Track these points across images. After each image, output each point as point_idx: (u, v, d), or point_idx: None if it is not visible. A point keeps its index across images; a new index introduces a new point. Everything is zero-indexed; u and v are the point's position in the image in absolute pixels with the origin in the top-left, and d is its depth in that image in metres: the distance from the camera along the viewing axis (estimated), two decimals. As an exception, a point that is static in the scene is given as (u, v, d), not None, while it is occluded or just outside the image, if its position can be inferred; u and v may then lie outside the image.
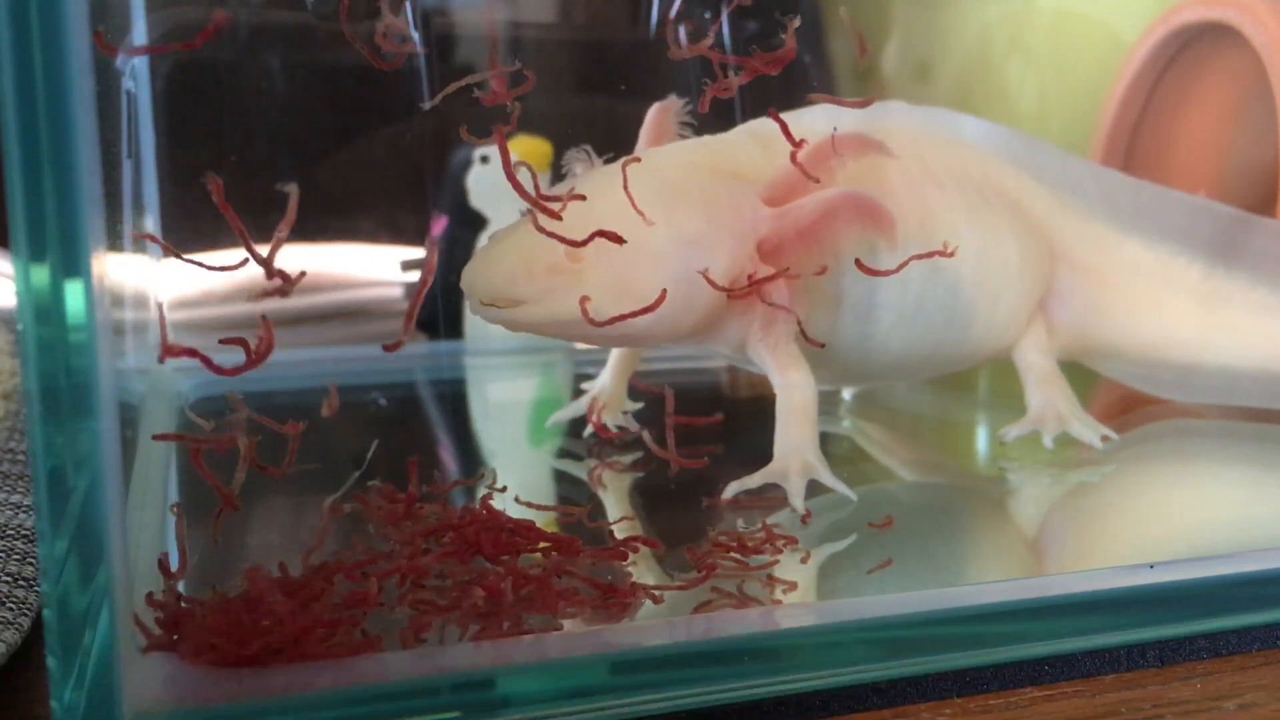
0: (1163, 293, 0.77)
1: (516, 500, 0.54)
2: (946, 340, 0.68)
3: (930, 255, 0.59)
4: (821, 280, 0.62)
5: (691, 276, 0.56)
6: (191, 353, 0.42)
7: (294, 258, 0.44)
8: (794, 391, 0.59)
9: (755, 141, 0.63)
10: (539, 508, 0.55)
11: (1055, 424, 0.71)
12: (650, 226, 0.55)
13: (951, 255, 0.59)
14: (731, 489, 0.58)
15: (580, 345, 0.96)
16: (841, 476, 0.59)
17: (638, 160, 0.57)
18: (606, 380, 0.72)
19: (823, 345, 0.62)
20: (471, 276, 0.55)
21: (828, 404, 0.85)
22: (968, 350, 0.70)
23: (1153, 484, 0.71)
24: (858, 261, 0.59)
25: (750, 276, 0.58)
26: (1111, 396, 0.74)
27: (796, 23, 0.53)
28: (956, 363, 0.72)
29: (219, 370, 0.43)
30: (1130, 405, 0.82)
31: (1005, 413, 0.75)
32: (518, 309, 0.54)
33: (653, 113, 0.66)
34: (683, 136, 0.65)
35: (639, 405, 0.71)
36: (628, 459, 0.68)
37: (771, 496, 0.58)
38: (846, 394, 0.86)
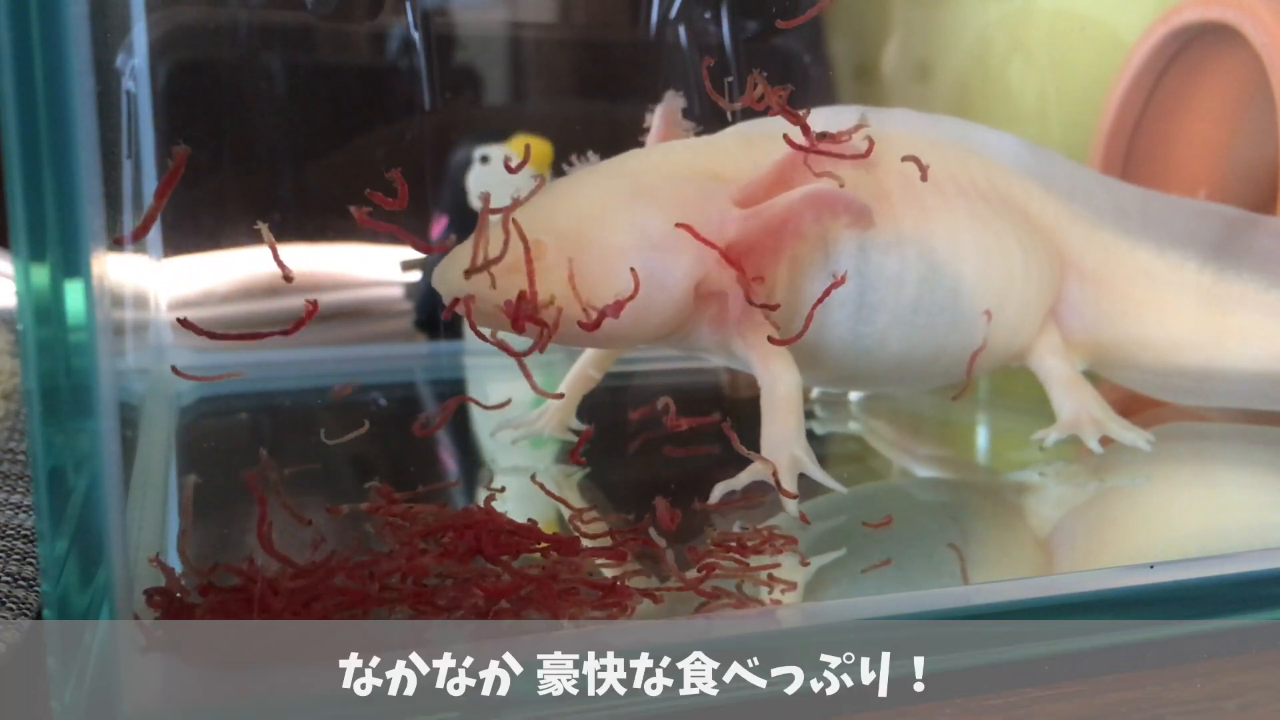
0: (1176, 299, 0.77)
1: (533, 479, 0.55)
2: (949, 344, 0.67)
3: (831, 288, 0.59)
4: (810, 277, 0.62)
5: (652, 276, 0.56)
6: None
7: (294, 258, 0.45)
8: (777, 384, 0.59)
9: (741, 142, 0.63)
10: (555, 497, 0.55)
11: (1094, 428, 0.70)
12: (613, 227, 0.56)
13: (841, 283, 0.59)
14: (718, 491, 0.58)
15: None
16: (842, 475, 0.59)
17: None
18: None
19: (779, 332, 0.62)
20: (439, 273, 0.55)
21: (834, 405, 0.85)
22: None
23: (1176, 487, 0.71)
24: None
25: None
26: (1111, 399, 0.74)
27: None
28: (963, 368, 0.71)
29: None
30: (1134, 408, 0.82)
31: (1008, 414, 0.75)
32: (480, 305, 0.54)
33: (658, 115, 0.66)
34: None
35: (585, 427, 0.71)
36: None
37: (758, 495, 0.58)
38: (853, 396, 0.86)
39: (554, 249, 0.54)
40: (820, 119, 0.63)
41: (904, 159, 0.57)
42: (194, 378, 0.48)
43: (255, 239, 0.45)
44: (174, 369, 0.51)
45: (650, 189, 0.58)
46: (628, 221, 0.56)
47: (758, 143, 0.62)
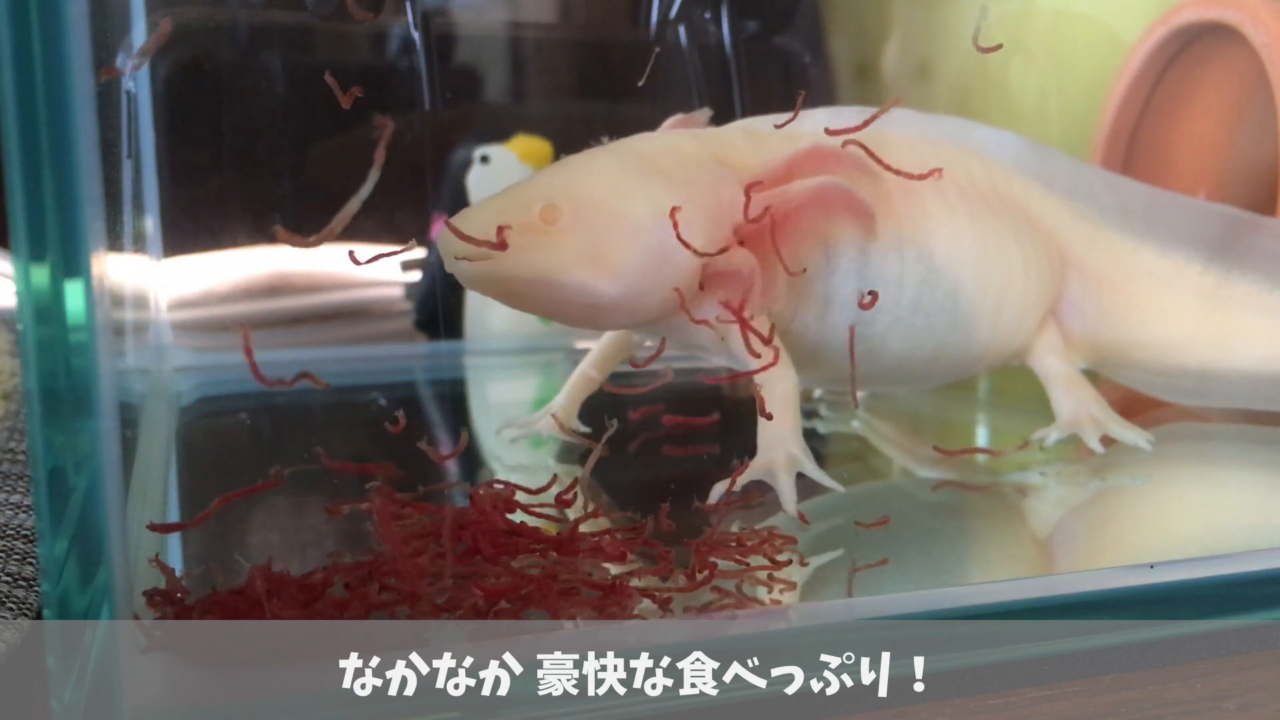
0: (1178, 299, 0.77)
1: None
2: (949, 344, 0.68)
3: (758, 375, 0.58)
4: (811, 278, 0.62)
5: (663, 250, 0.56)
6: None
7: (295, 258, 0.45)
8: (774, 383, 0.59)
9: (747, 137, 0.64)
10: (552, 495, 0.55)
11: (1094, 427, 0.70)
12: (626, 197, 0.56)
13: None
14: (717, 491, 0.58)
15: (580, 345, 0.96)
16: (843, 474, 0.59)
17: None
18: (560, 398, 0.72)
19: (780, 331, 0.61)
20: (446, 235, 0.55)
21: (839, 405, 0.85)
22: (973, 355, 0.70)
23: (1176, 487, 0.71)
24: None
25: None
26: (1112, 399, 0.74)
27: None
28: (962, 368, 0.72)
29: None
30: (1135, 408, 0.82)
31: (1009, 414, 0.75)
32: (485, 263, 0.55)
33: (673, 121, 0.67)
34: None
35: (587, 430, 0.71)
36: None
37: (757, 495, 0.58)
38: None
39: (567, 214, 0.55)
40: (820, 119, 0.63)
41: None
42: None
43: (255, 239, 0.45)
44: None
45: (663, 167, 0.59)
46: (641, 193, 0.57)
47: (763, 139, 0.63)
